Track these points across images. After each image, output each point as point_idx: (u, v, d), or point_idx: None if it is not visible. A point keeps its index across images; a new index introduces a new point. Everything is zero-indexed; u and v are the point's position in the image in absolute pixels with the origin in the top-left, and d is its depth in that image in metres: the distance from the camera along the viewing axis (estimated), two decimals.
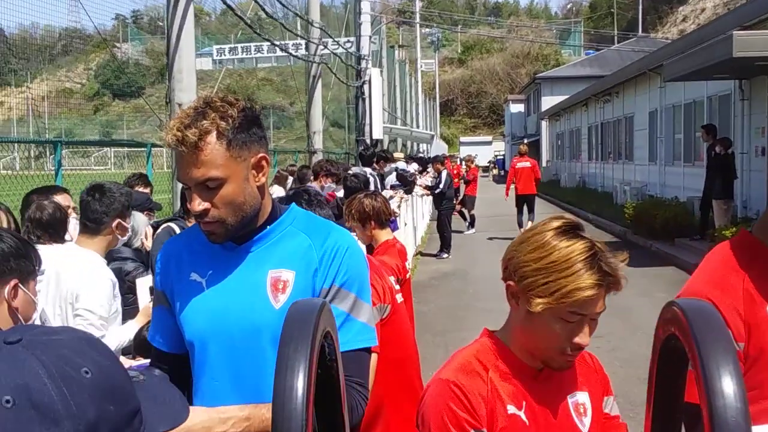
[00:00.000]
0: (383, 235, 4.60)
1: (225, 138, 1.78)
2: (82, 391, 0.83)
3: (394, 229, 9.87)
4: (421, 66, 53.64)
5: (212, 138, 1.77)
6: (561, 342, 1.63)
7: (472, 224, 19.21)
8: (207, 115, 1.77)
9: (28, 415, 0.79)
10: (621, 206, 19.17)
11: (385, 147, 27.52)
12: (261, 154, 1.86)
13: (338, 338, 1.87)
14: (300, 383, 1.00)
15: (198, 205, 1.79)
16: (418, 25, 51.58)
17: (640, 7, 51.11)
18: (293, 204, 2.04)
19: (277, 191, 8.68)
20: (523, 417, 1.65)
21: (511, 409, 1.65)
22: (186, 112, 1.80)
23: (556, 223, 1.65)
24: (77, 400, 0.83)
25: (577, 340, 1.62)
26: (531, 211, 16.83)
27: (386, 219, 4.70)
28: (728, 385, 0.95)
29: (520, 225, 16.79)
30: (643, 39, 44.92)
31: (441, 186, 15.85)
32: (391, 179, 13.66)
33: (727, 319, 1.56)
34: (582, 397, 1.77)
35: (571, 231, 1.64)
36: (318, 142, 16.28)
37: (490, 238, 17.72)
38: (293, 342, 1.04)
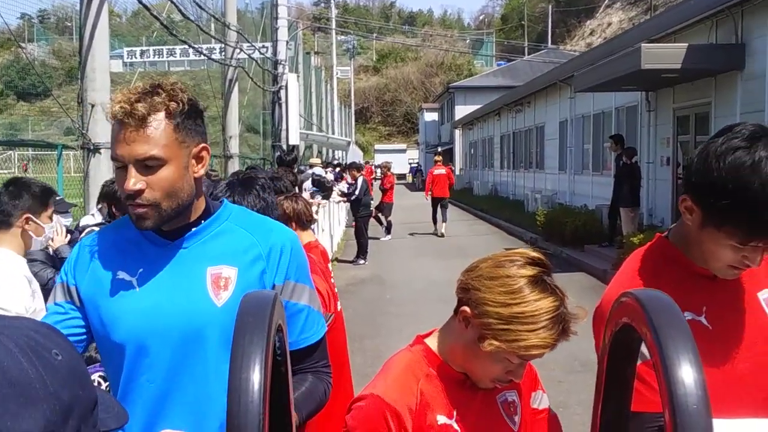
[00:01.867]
0: (306, 236, 4.55)
1: (173, 120, 1.73)
2: (56, 372, 0.79)
3: None
4: (337, 73, 53.68)
5: (161, 116, 1.71)
6: (497, 375, 1.66)
7: (388, 231, 19.30)
8: (158, 94, 1.72)
9: (4, 393, 0.74)
10: (532, 214, 19.57)
11: (301, 153, 27.43)
12: (203, 145, 1.82)
13: (302, 331, 1.88)
14: (256, 375, 0.96)
15: (134, 184, 1.71)
16: (333, 31, 51.63)
17: (550, 20, 52.53)
18: (225, 200, 1.99)
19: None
20: (455, 426, 1.66)
21: (442, 419, 1.65)
22: (135, 89, 1.73)
23: (529, 271, 1.61)
24: (52, 380, 0.78)
25: (511, 377, 1.66)
26: (444, 209, 20.21)
27: (307, 221, 4.68)
28: (688, 373, 0.95)
29: (435, 222, 20.31)
30: (553, 51, 46.15)
31: (357, 192, 15.86)
32: (308, 185, 13.59)
33: None
34: (511, 396, 1.79)
35: (542, 282, 1.61)
36: (234, 147, 16.05)
37: (411, 234, 20.40)
38: (248, 333, 1.00)
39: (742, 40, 11.65)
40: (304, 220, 4.64)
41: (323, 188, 13.71)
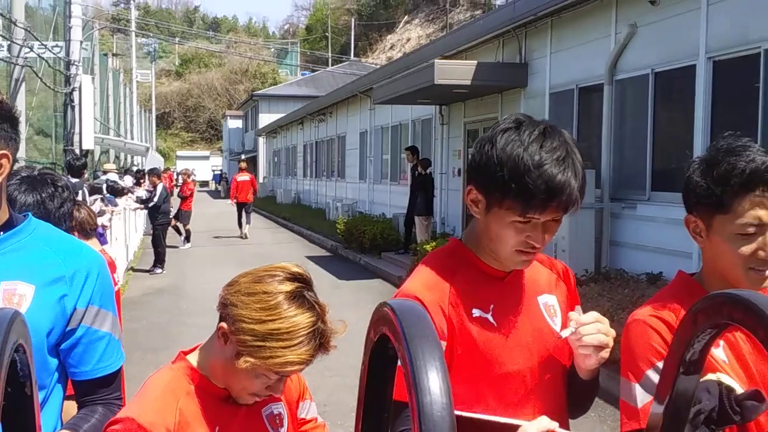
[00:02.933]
0: (89, 246, 4.34)
1: None
2: None
3: (103, 243, 9.35)
4: (137, 76, 51.68)
5: None
6: (254, 390, 1.66)
7: (187, 239, 18.84)
8: None
9: None
10: (334, 222, 19.87)
11: (97, 158, 26.14)
12: (3, 151, 1.68)
13: (100, 359, 1.82)
14: None
15: None
16: (133, 33, 49.68)
17: (353, 33, 53.58)
18: (30, 214, 1.86)
19: None
20: None
21: None
22: None
23: (288, 287, 1.60)
24: None
25: (270, 392, 1.66)
26: (248, 214, 21.51)
27: (91, 229, 4.52)
28: (435, 382, 0.99)
29: (240, 226, 21.44)
30: (355, 63, 47.11)
31: (156, 199, 15.35)
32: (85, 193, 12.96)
33: (433, 318, 1.65)
34: (277, 409, 1.81)
35: (300, 297, 1.61)
36: (20, 151, 15.04)
37: (216, 237, 21.44)
38: None
39: (525, 60, 12.46)
40: (87, 229, 4.47)
41: (118, 195, 13.13)
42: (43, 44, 16.97)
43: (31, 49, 15.98)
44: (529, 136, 1.67)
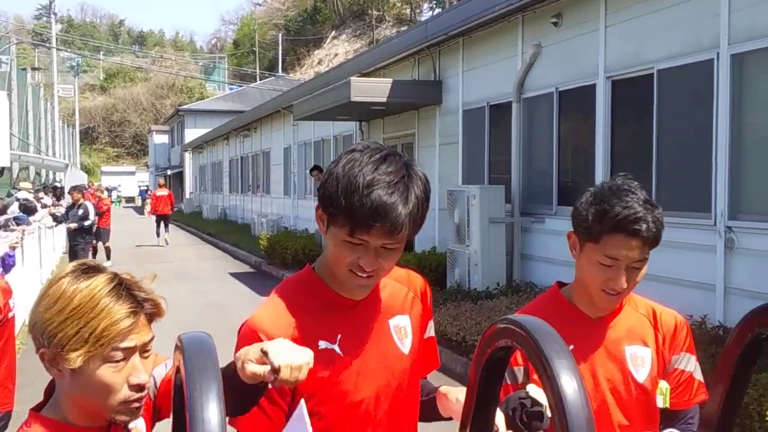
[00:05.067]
0: None
1: None
2: None
3: (12, 264, 9.19)
4: (59, 91, 50.52)
5: None
6: (118, 391, 1.53)
7: (108, 256, 18.51)
8: None
9: None
10: (258, 238, 19.81)
11: (16, 175, 25.48)
12: None
13: None
14: None
15: None
16: (55, 49, 48.64)
17: (280, 48, 53.52)
18: None
19: None
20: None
21: None
22: None
23: (69, 268, 1.54)
24: None
25: (135, 380, 1.53)
26: (166, 226, 24.45)
27: None
28: (211, 413, 1.00)
29: (158, 235, 24.13)
30: (282, 78, 47.06)
31: (91, 217, 14.94)
32: (14, 209, 12.72)
33: None
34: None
35: (88, 270, 1.55)
36: None
37: (138, 246, 23.17)
38: None
39: (439, 78, 12.73)
40: None
41: (30, 213, 12.87)
42: None
43: None
44: (369, 158, 1.71)
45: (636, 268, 2.00)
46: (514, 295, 9.47)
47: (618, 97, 8.80)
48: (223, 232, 25.97)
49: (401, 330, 1.91)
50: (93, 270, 1.54)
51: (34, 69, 41.64)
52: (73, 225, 14.96)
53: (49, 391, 1.64)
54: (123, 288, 1.53)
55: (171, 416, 1.20)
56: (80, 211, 14.89)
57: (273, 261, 17.00)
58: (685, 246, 7.36)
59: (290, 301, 1.83)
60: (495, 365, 1.19)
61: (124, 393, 1.52)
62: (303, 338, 1.74)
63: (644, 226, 1.95)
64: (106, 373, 1.50)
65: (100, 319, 1.47)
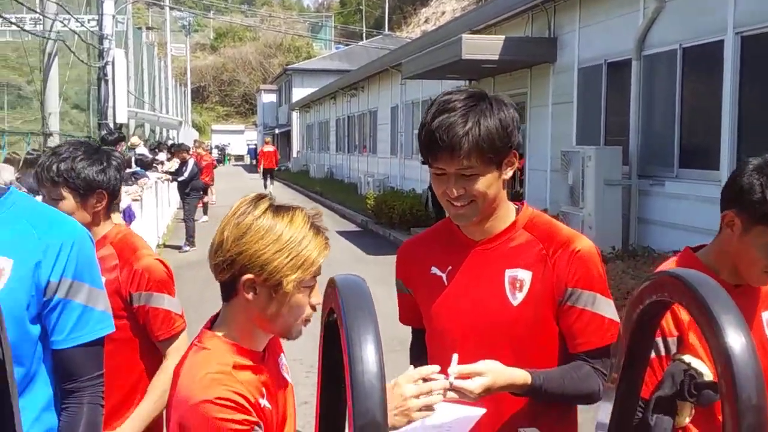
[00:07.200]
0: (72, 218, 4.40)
1: None
2: None
3: (132, 216, 9.53)
4: (172, 50, 52.00)
5: None
6: (305, 311, 1.72)
7: (204, 211, 19.05)
8: None
9: None
10: (365, 197, 19.94)
11: (132, 131, 26.45)
12: None
13: (72, 330, 1.84)
14: None
15: None
16: (168, 8, 49.97)
17: (387, 6, 53.25)
18: (12, 187, 1.88)
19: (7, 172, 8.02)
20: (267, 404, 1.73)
21: (264, 402, 1.69)
22: None
23: (263, 205, 1.71)
24: None
25: (314, 301, 1.72)
26: (272, 179, 27.47)
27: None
28: (369, 352, 1.05)
29: (265, 187, 25.40)
30: (389, 37, 46.81)
31: (186, 174, 15.48)
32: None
33: (398, 268, 2.17)
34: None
35: (280, 207, 1.72)
36: (54, 125, 15.25)
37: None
38: None
39: (554, 34, 12.35)
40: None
41: (147, 167, 13.30)
42: (76, 18, 17.18)
43: (65, 24, 16.18)
44: (449, 95, 1.85)
45: None
46: (631, 260, 9.18)
47: (748, 54, 8.31)
48: (329, 190, 26.30)
49: (516, 282, 1.92)
50: (284, 208, 1.72)
51: (148, 28, 42.92)
52: (166, 178, 15.73)
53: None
54: (312, 222, 1.72)
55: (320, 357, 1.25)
56: (184, 168, 15.47)
57: (379, 220, 17.07)
58: None
59: (427, 233, 2.15)
60: (648, 322, 1.13)
61: (307, 312, 1.73)
62: (419, 263, 2.05)
63: None
64: (301, 295, 1.70)
65: (309, 249, 1.67)
